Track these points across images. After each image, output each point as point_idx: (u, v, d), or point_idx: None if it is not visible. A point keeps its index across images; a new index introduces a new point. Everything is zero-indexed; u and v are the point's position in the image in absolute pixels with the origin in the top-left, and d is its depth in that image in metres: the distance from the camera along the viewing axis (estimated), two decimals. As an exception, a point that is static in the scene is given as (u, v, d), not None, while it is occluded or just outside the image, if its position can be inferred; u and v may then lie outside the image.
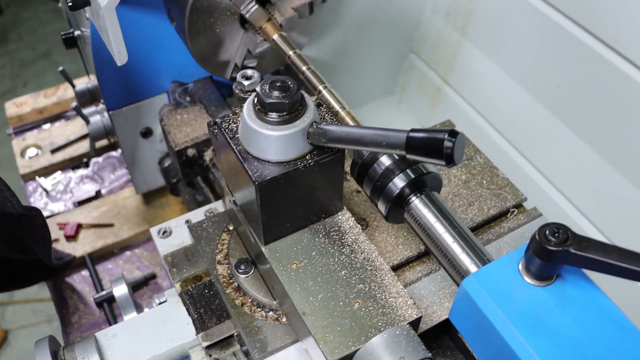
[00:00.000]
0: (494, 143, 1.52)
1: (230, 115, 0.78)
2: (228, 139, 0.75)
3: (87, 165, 1.69)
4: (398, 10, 1.58)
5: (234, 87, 0.77)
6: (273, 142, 0.68)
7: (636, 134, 1.12)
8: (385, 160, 0.73)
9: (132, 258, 1.51)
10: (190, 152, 1.17)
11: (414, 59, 1.70)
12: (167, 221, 1.00)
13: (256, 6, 0.99)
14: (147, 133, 1.34)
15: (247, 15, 1.00)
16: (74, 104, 1.36)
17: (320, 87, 0.90)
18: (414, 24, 1.62)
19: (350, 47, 1.55)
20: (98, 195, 1.65)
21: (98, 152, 1.63)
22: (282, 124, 0.68)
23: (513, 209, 0.96)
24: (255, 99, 0.70)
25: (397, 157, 0.73)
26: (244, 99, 0.76)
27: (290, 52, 0.97)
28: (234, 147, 0.73)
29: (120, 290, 1.03)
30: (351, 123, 0.83)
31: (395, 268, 0.86)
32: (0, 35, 3.91)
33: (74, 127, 1.76)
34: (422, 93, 1.70)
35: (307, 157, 0.71)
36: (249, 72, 0.77)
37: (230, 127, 0.76)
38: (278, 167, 0.69)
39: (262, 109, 0.69)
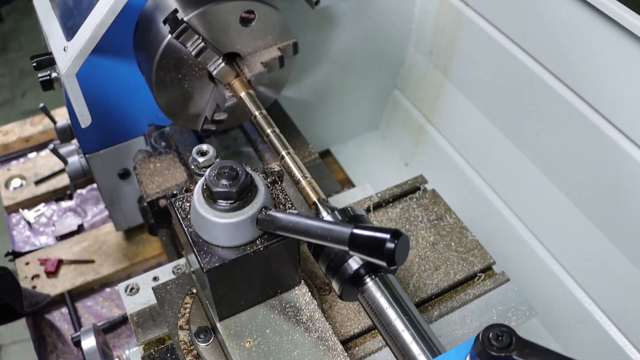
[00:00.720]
0: (475, 186, 1.51)
1: (184, 193, 0.77)
2: (180, 219, 0.75)
3: (70, 197, 1.69)
4: (381, 48, 1.58)
5: (189, 162, 0.79)
6: (221, 229, 0.69)
7: (612, 190, 1.13)
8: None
9: (112, 295, 1.51)
10: (162, 202, 1.16)
11: (399, 96, 1.70)
12: (135, 277, 1.00)
13: (222, 64, 0.98)
14: (125, 174, 1.34)
15: (214, 73, 0.99)
16: (52, 145, 1.35)
17: (283, 153, 0.89)
18: (398, 61, 1.62)
19: (332, 85, 1.56)
20: (80, 228, 1.63)
21: (82, 184, 1.61)
22: (230, 211, 0.68)
23: (480, 274, 0.95)
24: (204, 185, 0.70)
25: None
26: (200, 175, 0.78)
27: (256, 113, 0.97)
28: (186, 229, 0.73)
29: (89, 344, 1.02)
30: (311, 194, 0.83)
31: (357, 336, 0.85)
32: (1, 44, 3.87)
33: (59, 158, 1.74)
34: (406, 130, 1.69)
35: (257, 242, 0.72)
36: (204, 147, 0.77)
37: (183, 206, 0.76)
38: (228, 252, 0.70)
39: (210, 196, 0.69)
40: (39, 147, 1.86)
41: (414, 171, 1.72)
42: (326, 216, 0.78)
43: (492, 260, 0.92)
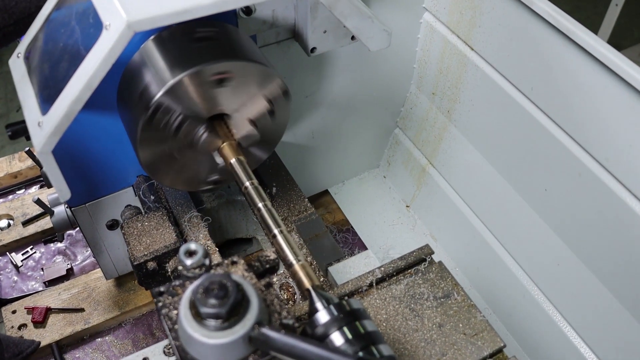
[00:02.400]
0: (478, 234, 1.46)
1: (171, 296, 0.72)
2: (167, 330, 0.70)
3: (60, 239, 1.63)
4: (381, 87, 1.53)
5: (177, 262, 0.73)
6: (210, 350, 0.64)
7: (623, 253, 1.08)
8: (336, 340, 0.71)
9: (102, 346, 1.45)
10: (150, 265, 1.12)
11: (400, 135, 1.65)
12: (125, 357, 0.94)
13: (205, 135, 0.94)
14: (113, 225, 1.32)
15: (198, 146, 0.94)
16: (35, 197, 1.29)
17: (275, 231, 0.85)
18: (399, 100, 1.57)
19: (330, 127, 1.52)
20: (70, 272, 1.58)
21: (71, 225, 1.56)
22: (220, 330, 0.64)
23: (489, 360, 0.92)
24: (191, 301, 0.67)
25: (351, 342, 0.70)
26: (189, 278, 0.72)
27: (247, 184, 0.92)
28: (174, 342, 0.68)
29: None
30: (304, 280, 0.80)
31: None
32: (-4, 57, 3.83)
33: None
34: (408, 171, 1.65)
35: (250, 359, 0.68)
36: (192, 246, 0.72)
37: (170, 314, 0.70)
38: (217, 370, 0.68)
39: (198, 314, 0.65)
40: (28, 184, 1.79)
41: (415, 214, 1.67)
42: (321, 309, 0.74)
43: (502, 344, 0.87)
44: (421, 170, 1.59)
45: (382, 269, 0.97)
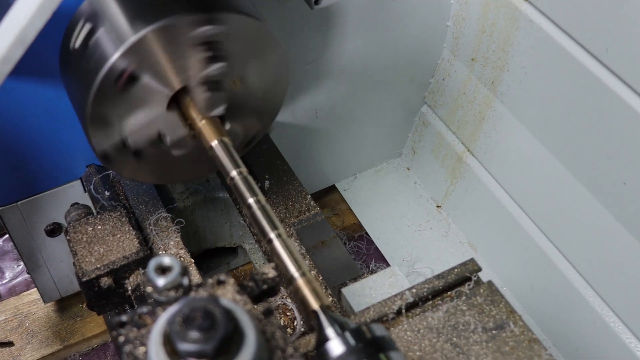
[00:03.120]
0: (533, 244, 1.42)
1: (136, 331, 0.67)
2: None
3: (-16, 249, 1.59)
4: (404, 52, 1.49)
5: (142, 283, 0.75)
6: None
7: None
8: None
9: (38, 390, 1.41)
10: (105, 281, 1.08)
11: (428, 114, 1.65)
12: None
13: (176, 110, 0.94)
14: (54, 230, 1.29)
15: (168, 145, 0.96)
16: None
17: (272, 235, 0.84)
18: (428, 69, 1.56)
19: (339, 103, 1.51)
20: (-3, 293, 1.54)
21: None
22: None
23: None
24: (165, 334, 0.62)
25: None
26: (160, 303, 0.70)
27: (234, 173, 0.90)
28: None
29: None
30: (311, 299, 0.78)
31: None
32: None
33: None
34: (439, 161, 1.64)
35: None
36: (166, 260, 0.71)
37: (135, 353, 0.65)
38: None
39: (174, 353, 0.61)
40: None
41: (449, 216, 1.67)
42: (333, 338, 0.73)
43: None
44: (456, 160, 1.58)
45: (414, 290, 0.95)
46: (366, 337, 0.71)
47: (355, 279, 1.08)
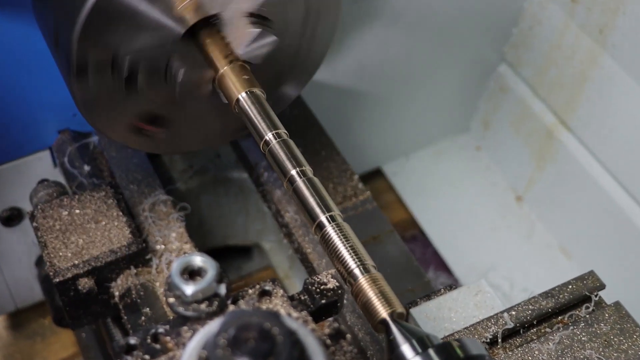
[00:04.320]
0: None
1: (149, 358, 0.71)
2: None
3: None
4: None
5: (164, 291, 0.76)
6: None
7: None
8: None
9: None
10: (84, 283, 1.08)
11: (508, 75, 1.64)
12: None
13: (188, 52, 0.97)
14: (12, 218, 1.31)
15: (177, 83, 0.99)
16: None
17: (323, 218, 0.88)
18: (510, 14, 1.54)
19: (390, 60, 1.52)
20: None
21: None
22: None
23: None
24: None
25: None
26: (187, 319, 0.73)
27: (270, 135, 0.94)
28: None
29: None
30: (378, 305, 0.81)
31: None
32: None
33: None
34: (521, 138, 1.64)
35: None
36: (198, 261, 0.74)
37: None
38: None
39: None
40: None
41: (533, 211, 1.65)
42: (411, 358, 0.76)
43: None
44: (545, 136, 1.57)
45: (514, 313, 0.95)
46: (458, 356, 0.73)
47: (428, 297, 1.08)
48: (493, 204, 1.66)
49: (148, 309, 1.05)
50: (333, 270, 0.87)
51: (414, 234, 1.63)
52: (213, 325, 0.65)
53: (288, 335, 0.62)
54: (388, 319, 0.78)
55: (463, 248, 1.60)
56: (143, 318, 1.05)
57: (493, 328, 0.93)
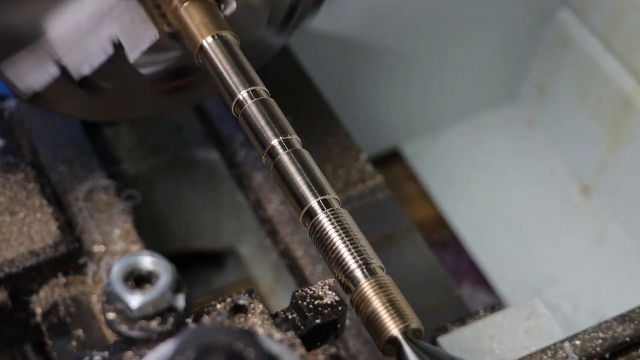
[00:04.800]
0: None
1: None
2: None
3: None
4: None
5: (101, 304, 0.77)
6: None
7: None
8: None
9: None
10: None
11: (571, 25, 1.66)
12: None
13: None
14: None
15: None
16: None
17: (321, 216, 0.89)
18: None
19: (413, 5, 1.54)
20: None
21: None
22: None
23: None
24: None
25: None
26: (133, 342, 0.76)
27: (243, 94, 0.95)
28: None
29: None
30: (387, 319, 0.82)
31: None
32: None
33: None
34: (588, 109, 1.67)
35: None
36: (147, 263, 0.75)
37: None
38: None
39: None
40: None
41: (605, 207, 1.67)
42: None
43: None
44: (621, 106, 1.60)
45: (578, 342, 0.96)
46: None
47: (462, 321, 1.09)
48: (551, 197, 1.67)
49: (81, 330, 1.06)
50: (331, 280, 0.87)
51: (443, 237, 1.64)
52: (166, 348, 0.67)
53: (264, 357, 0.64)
54: (400, 337, 0.79)
55: (510, 256, 1.60)
56: (74, 343, 1.06)
57: (555, 361, 0.94)
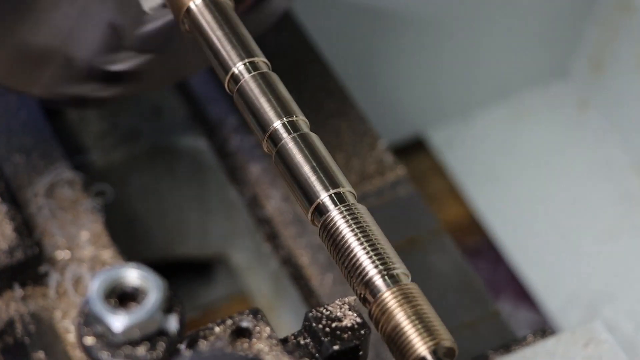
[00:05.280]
0: None
1: None
2: None
3: None
4: None
5: (78, 328, 0.79)
6: None
7: None
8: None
9: None
10: None
11: None
12: None
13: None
14: None
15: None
16: None
17: (334, 213, 0.89)
18: None
19: None
20: None
21: None
22: None
23: None
24: None
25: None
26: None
27: (239, 67, 0.97)
28: None
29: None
30: (413, 336, 0.84)
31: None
32: None
33: None
34: None
35: None
36: (133, 275, 0.76)
37: None
38: None
39: None
40: None
41: None
42: None
43: None
44: None
45: None
46: None
47: (506, 348, 1.10)
48: (608, 193, 1.67)
49: (42, 353, 1.07)
50: (352, 298, 0.88)
51: (476, 243, 1.65)
52: None
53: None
54: (430, 357, 0.80)
55: (558, 266, 1.61)
56: (34, 367, 1.08)
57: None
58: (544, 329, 1.20)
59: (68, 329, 1.11)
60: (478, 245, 1.65)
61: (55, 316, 1.09)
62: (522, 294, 1.59)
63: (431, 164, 1.73)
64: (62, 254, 1.12)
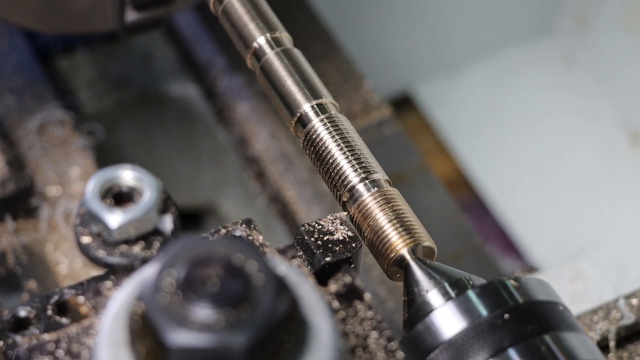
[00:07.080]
0: None
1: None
2: None
3: None
4: None
5: (74, 226, 0.78)
6: None
7: None
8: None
9: None
10: None
11: None
12: None
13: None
14: None
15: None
16: None
17: (316, 123, 0.91)
18: None
19: None
20: None
21: None
22: None
23: None
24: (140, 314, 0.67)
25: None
26: (112, 269, 0.78)
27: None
28: None
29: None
30: (394, 236, 0.85)
31: None
32: None
33: None
34: (637, 40, 1.66)
35: None
36: (128, 176, 0.77)
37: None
38: None
39: (157, 354, 0.65)
40: None
41: None
42: (440, 306, 0.81)
43: None
44: None
45: (635, 301, 0.98)
46: (515, 299, 0.77)
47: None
48: (593, 147, 1.67)
49: (34, 282, 1.08)
50: (343, 214, 0.87)
51: (464, 197, 1.65)
52: (153, 267, 0.67)
53: (271, 276, 0.64)
54: (407, 256, 0.80)
55: (543, 217, 1.62)
56: (26, 297, 1.08)
57: (602, 324, 0.95)
58: (530, 267, 1.22)
59: (59, 260, 1.11)
60: (466, 200, 1.65)
61: (46, 248, 1.10)
62: (508, 245, 1.60)
63: (418, 120, 1.73)
64: (53, 190, 1.13)
